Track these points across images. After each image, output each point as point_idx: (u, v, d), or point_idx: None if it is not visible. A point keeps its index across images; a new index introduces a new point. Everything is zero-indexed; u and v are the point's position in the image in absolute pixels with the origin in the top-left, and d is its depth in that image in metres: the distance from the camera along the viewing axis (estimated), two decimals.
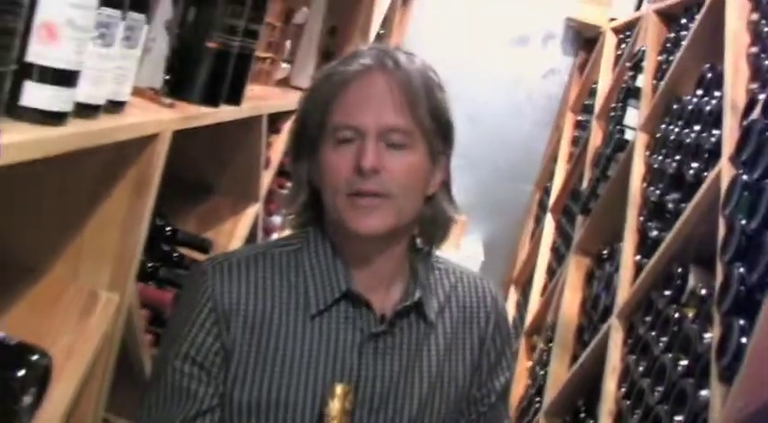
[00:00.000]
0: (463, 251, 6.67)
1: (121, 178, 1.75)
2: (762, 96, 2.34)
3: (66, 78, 1.29)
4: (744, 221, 2.12)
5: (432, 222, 1.76)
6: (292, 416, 1.67)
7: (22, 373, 1.45)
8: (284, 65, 3.60)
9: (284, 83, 3.59)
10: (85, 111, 1.41)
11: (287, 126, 3.36)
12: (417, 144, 1.64)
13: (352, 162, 1.60)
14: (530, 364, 4.97)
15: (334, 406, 1.56)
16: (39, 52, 1.24)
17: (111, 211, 1.77)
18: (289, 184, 3.62)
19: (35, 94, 1.25)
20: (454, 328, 1.80)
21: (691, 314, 2.50)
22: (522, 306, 5.90)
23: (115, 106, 1.56)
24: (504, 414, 1.93)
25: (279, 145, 3.37)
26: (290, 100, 3.12)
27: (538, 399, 4.17)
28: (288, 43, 3.54)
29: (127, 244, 1.80)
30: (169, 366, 1.70)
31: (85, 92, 1.38)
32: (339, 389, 1.58)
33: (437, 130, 1.68)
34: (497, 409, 1.90)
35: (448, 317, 1.80)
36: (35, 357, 1.49)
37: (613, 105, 4.65)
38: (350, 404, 1.58)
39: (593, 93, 5.65)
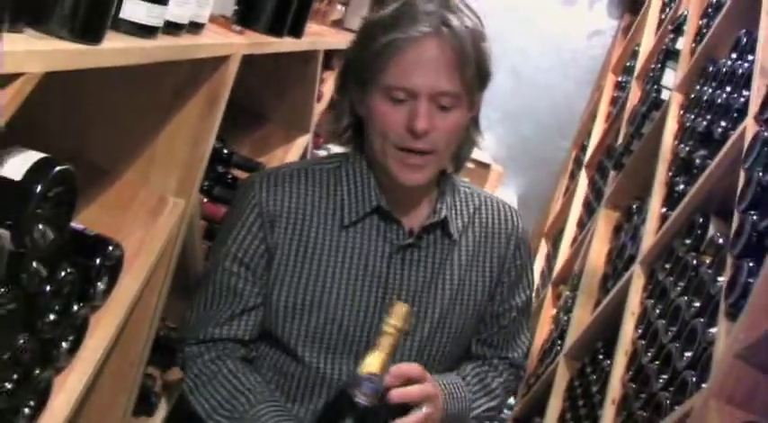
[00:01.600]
0: None
1: (195, 94, 1.89)
2: None
3: None
4: (761, 174, 2.27)
5: (461, 150, 1.92)
6: (324, 317, 1.86)
7: (98, 260, 1.60)
8: (339, 6, 3.74)
9: (338, 24, 3.73)
10: (172, 28, 1.56)
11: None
12: (462, 102, 1.77)
13: (404, 121, 1.74)
14: (554, 311, 5.13)
15: (394, 324, 1.64)
16: None
17: (183, 124, 1.91)
18: None
19: (133, 9, 1.40)
20: (476, 246, 1.97)
21: (707, 261, 2.65)
22: (551, 258, 6.02)
23: (195, 27, 1.72)
24: (523, 328, 2.11)
25: (331, 81, 3.52)
26: (344, 40, 3.26)
27: (560, 342, 4.33)
28: None
29: (195, 155, 1.95)
30: (219, 267, 1.89)
31: (173, 11, 1.54)
32: (404, 308, 1.64)
33: (480, 85, 1.82)
34: (518, 323, 2.07)
35: (471, 235, 1.96)
36: (110, 248, 1.64)
37: (653, 66, 4.74)
38: (409, 326, 1.66)
39: (635, 55, 5.72)
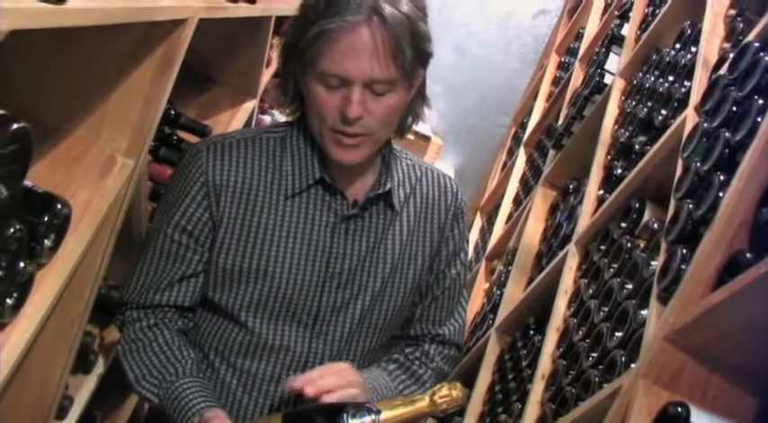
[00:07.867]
0: None
1: (150, 56, 1.88)
2: (731, 55, 2.53)
3: None
4: (698, 164, 2.33)
5: (405, 120, 1.94)
6: (269, 286, 1.89)
7: (46, 218, 1.58)
8: None
9: None
10: None
11: None
12: (398, 86, 1.78)
13: (338, 106, 1.75)
14: (487, 285, 5.19)
15: (437, 401, 1.64)
16: None
17: (137, 84, 1.90)
18: None
19: None
20: (417, 217, 2.01)
21: (641, 244, 2.72)
22: (486, 232, 6.09)
23: None
24: (456, 301, 2.15)
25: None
26: (295, 6, 3.25)
27: (491, 316, 4.39)
28: None
29: (147, 116, 1.94)
30: (162, 234, 1.91)
31: None
32: (458, 392, 1.65)
33: (419, 66, 1.82)
34: (451, 294, 2.12)
35: (412, 206, 2.00)
36: (59, 206, 1.62)
37: (597, 50, 4.80)
38: (442, 413, 1.67)
39: (579, 37, 5.78)
